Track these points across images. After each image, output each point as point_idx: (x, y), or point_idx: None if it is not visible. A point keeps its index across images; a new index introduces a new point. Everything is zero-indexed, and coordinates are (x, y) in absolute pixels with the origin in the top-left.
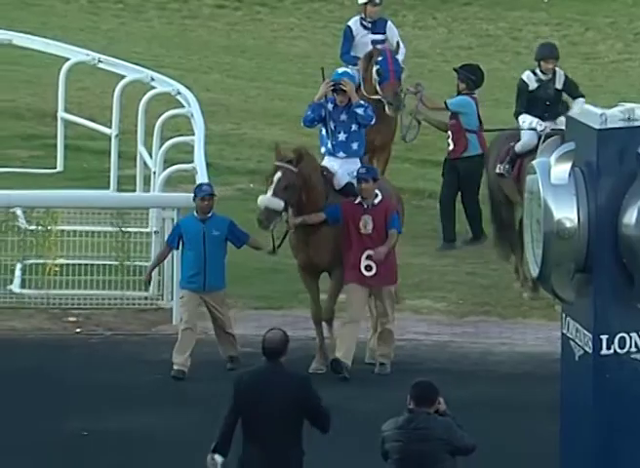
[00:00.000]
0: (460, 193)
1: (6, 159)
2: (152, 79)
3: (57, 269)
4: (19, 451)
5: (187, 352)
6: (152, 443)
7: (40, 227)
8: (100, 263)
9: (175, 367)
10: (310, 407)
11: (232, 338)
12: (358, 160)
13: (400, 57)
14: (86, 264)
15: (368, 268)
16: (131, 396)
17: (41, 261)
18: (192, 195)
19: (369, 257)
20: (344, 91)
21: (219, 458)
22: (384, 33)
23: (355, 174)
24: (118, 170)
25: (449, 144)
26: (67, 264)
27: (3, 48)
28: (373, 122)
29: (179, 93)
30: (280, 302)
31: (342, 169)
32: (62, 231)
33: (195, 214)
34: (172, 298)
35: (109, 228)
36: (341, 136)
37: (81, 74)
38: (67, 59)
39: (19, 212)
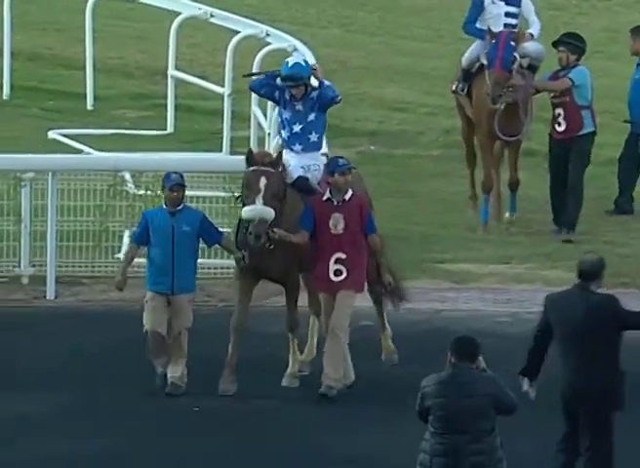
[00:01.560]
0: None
1: (114, 120)
2: (267, 34)
3: None
4: (129, 426)
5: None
6: (263, 419)
7: (149, 192)
8: None
9: (169, 380)
10: (622, 324)
11: (181, 361)
12: (318, 154)
13: (535, 31)
14: None
15: (337, 273)
16: (243, 370)
17: None
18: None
19: (339, 261)
20: (299, 86)
21: (527, 382)
22: (519, 6)
23: (314, 167)
24: (231, 131)
25: (559, 124)
26: None
27: (111, 2)
28: (339, 99)
29: (295, 49)
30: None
31: (299, 163)
32: None
33: (164, 206)
34: None
35: (222, 193)
36: (297, 128)
37: (192, 29)
38: (178, 14)
39: (127, 176)
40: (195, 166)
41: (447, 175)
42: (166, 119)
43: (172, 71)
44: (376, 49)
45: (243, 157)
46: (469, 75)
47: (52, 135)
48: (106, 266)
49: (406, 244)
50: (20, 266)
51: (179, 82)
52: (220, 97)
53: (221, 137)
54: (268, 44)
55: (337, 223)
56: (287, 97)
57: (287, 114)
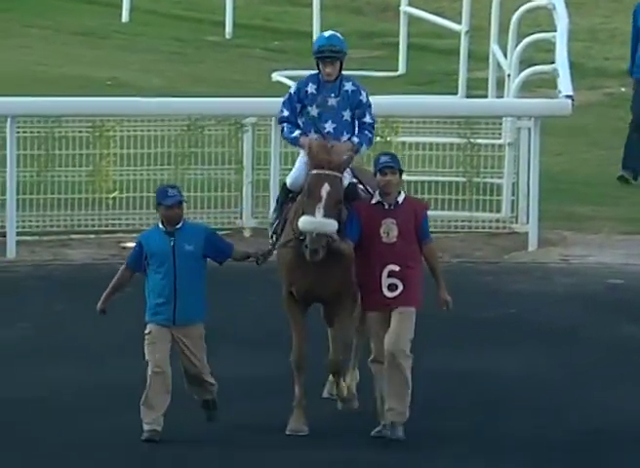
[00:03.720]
0: None
1: None
2: None
3: None
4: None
5: (160, 407)
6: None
7: (378, 139)
8: (444, 180)
9: (145, 427)
10: None
11: (209, 385)
12: None
13: None
14: (429, 181)
15: (392, 287)
16: (477, 332)
17: None
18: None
19: (393, 274)
20: (336, 60)
21: None
22: None
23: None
24: (468, 72)
25: None
26: (408, 181)
27: None
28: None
29: None
30: None
31: None
32: (403, 143)
33: (160, 225)
34: (527, 221)
35: (456, 140)
36: (329, 126)
37: None
38: None
39: None
40: (428, 110)
41: None
42: (397, 59)
43: (405, 7)
44: None
45: (480, 100)
46: None
47: (276, 77)
48: None
49: None
50: (241, 218)
51: (412, 19)
52: (457, 34)
53: (457, 79)
54: None
55: (389, 231)
56: (313, 89)
57: (315, 111)
